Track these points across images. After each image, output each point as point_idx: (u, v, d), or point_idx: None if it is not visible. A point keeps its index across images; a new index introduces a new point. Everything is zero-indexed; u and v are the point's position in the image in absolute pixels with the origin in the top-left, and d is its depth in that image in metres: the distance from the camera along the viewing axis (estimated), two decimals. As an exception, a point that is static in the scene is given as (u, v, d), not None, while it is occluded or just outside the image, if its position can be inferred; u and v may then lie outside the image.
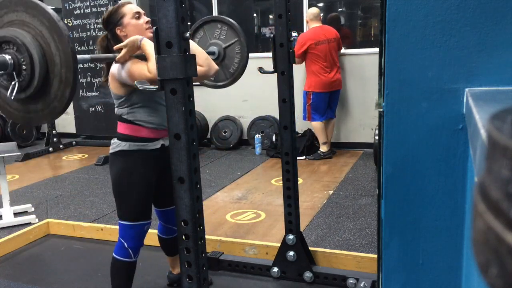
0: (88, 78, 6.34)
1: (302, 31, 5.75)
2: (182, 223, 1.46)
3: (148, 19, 2.05)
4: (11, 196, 3.85)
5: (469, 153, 1.00)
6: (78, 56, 1.43)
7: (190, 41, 2.05)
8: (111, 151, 2.09)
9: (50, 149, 6.18)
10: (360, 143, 5.63)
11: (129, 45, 1.86)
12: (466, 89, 0.99)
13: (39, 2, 1.29)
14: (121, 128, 2.07)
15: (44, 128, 6.65)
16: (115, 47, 1.92)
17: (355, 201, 3.86)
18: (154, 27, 1.35)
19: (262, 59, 5.58)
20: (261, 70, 2.48)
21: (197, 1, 6.93)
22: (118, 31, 2.02)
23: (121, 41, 1.99)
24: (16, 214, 3.69)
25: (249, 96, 5.96)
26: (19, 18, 1.29)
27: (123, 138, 2.05)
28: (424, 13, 1.02)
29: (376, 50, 2.07)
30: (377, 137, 3.15)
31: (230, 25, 2.44)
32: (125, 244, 2.07)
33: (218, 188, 4.35)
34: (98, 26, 6.13)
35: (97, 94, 6.30)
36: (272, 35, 2.37)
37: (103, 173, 4.99)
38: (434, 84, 1.04)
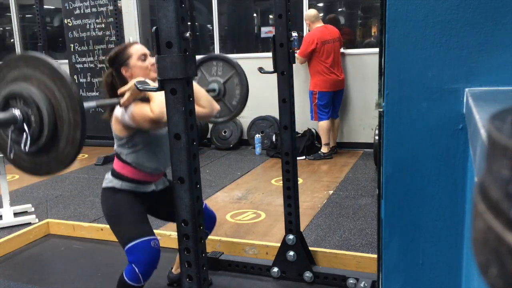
0: (88, 78, 6.34)
1: (302, 31, 5.75)
2: (182, 223, 1.46)
3: (153, 61, 2.07)
4: (11, 196, 3.85)
5: (469, 153, 1.00)
6: (85, 104, 1.47)
7: (193, 82, 2.11)
8: (103, 185, 2.15)
9: (50, 149, 6.17)
10: (360, 143, 5.63)
11: (132, 88, 1.89)
12: (466, 89, 0.99)
13: (37, 54, 1.33)
14: (118, 166, 2.12)
15: (44, 128, 6.63)
16: (119, 91, 1.94)
17: (355, 201, 3.86)
18: (154, 27, 1.35)
19: (262, 59, 5.58)
20: (261, 70, 2.48)
21: (197, 1, 6.93)
22: (123, 71, 2.06)
23: (126, 81, 2.05)
24: (16, 214, 3.69)
25: (249, 96, 5.95)
26: (21, 73, 1.33)
27: (117, 176, 2.11)
28: (424, 13, 1.02)
29: (376, 50, 2.07)
30: (377, 137, 3.15)
31: (224, 60, 2.48)
32: (136, 269, 1.97)
33: (218, 188, 4.36)
34: (98, 26, 6.13)
35: (97, 94, 6.29)
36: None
37: (103, 173, 4.97)
38: (434, 84, 1.04)
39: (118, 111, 1.99)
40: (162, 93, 1.76)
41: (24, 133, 1.32)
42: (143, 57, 2.06)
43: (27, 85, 1.31)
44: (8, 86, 1.34)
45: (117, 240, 2.11)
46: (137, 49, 2.07)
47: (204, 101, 2.04)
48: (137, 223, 2.05)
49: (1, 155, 3.45)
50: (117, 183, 2.10)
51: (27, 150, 1.33)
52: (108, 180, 2.13)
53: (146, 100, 1.93)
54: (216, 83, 2.47)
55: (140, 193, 2.13)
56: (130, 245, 1.98)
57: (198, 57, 2.58)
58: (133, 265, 1.97)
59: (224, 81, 2.47)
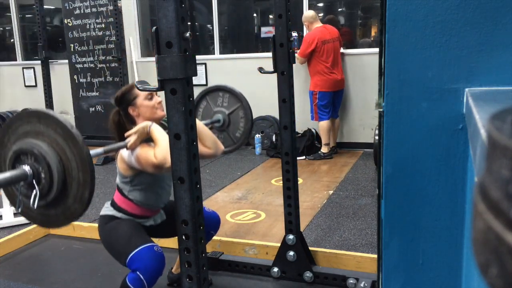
0: (88, 78, 6.34)
1: (302, 31, 5.75)
2: (182, 223, 1.46)
3: (160, 99, 2.09)
4: (11, 196, 3.85)
5: (469, 153, 1.00)
6: (92, 151, 1.51)
7: (200, 122, 2.17)
8: (102, 212, 2.18)
9: (50, 149, 6.17)
10: (360, 143, 5.63)
11: (139, 131, 1.93)
12: (466, 89, 0.99)
13: (51, 112, 1.35)
14: (118, 199, 2.16)
15: (44, 128, 6.63)
16: (126, 134, 1.96)
17: (355, 201, 3.86)
18: (154, 27, 1.35)
19: (262, 59, 5.58)
20: (261, 70, 2.48)
21: (197, 1, 6.93)
22: (130, 111, 2.09)
23: (133, 120, 2.09)
24: (16, 214, 3.69)
25: (249, 96, 5.92)
26: (34, 129, 1.36)
27: (117, 208, 2.15)
28: (424, 13, 1.02)
29: (376, 50, 2.07)
30: (377, 137, 3.15)
31: (231, 92, 2.50)
32: (141, 276, 1.91)
33: (218, 188, 4.36)
34: (98, 26, 6.13)
35: (97, 94, 6.30)
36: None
37: (103, 173, 4.99)
38: (434, 84, 1.04)
39: (124, 151, 2.02)
40: (165, 138, 1.80)
41: (34, 190, 1.34)
42: (150, 96, 2.09)
43: (39, 141, 1.33)
44: (20, 141, 1.37)
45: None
46: None
47: (209, 143, 2.13)
48: (136, 234, 2.05)
49: None
50: (116, 214, 2.14)
51: (35, 207, 1.35)
52: (108, 209, 2.16)
53: (153, 141, 1.96)
54: (221, 114, 2.50)
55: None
56: (132, 253, 1.94)
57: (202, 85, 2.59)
58: (138, 272, 1.91)
59: (229, 112, 2.49)
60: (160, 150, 1.86)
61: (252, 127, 2.53)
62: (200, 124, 2.15)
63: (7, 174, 1.31)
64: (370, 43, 6.04)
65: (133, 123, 2.12)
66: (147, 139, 1.99)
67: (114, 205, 2.17)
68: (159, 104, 2.10)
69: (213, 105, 2.52)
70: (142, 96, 2.07)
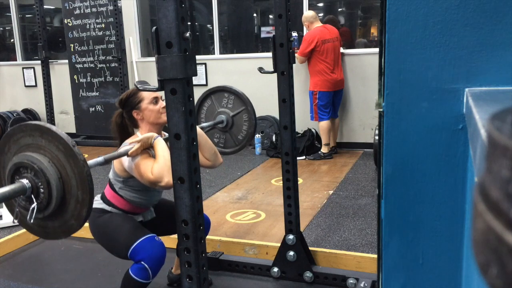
0: (88, 78, 6.34)
1: (302, 31, 5.75)
2: (182, 223, 1.46)
3: (164, 103, 2.08)
4: (11, 196, 3.85)
5: (469, 153, 1.00)
6: (91, 161, 1.52)
7: (202, 133, 2.18)
8: (93, 205, 2.16)
9: (50, 149, 6.17)
10: (360, 143, 5.63)
11: (143, 141, 1.91)
12: (466, 89, 0.99)
13: (54, 128, 1.35)
14: (108, 194, 2.15)
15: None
16: (129, 142, 1.95)
17: (355, 201, 3.86)
18: (154, 27, 1.35)
19: (262, 59, 5.58)
20: (261, 70, 2.48)
21: (197, 1, 6.93)
22: (134, 114, 2.08)
23: (136, 123, 2.09)
24: (16, 214, 3.69)
25: (249, 96, 5.94)
26: (35, 142, 1.36)
27: (107, 202, 2.15)
28: (424, 13, 1.02)
29: (376, 50, 2.07)
30: (377, 137, 3.15)
31: (237, 95, 2.51)
32: (146, 265, 1.95)
33: (218, 188, 4.35)
34: (98, 26, 6.13)
35: (97, 94, 6.30)
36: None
37: (103, 173, 4.98)
38: (434, 84, 1.04)
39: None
40: (165, 155, 1.79)
41: (32, 204, 1.35)
42: (155, 101, 2.08)
43: (40, 156, 1.34)
44: (21, 153, 1.37)
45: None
46: (149, 93, 2.07)
47: (209, 154, 2.14)
48: (134, 228, 2.06)
49: None
50: (106, 207, 2.14)
51: (31, 221, 1.36)
52: (98, 203, 2.15)
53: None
54: (224, 114, 2.50)
55: None
56: (134, 245, 1.97)
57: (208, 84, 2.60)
58: (143, 262, 1.95)
59: (233, 114, 2.49)
60: (158, 167, 1.84)
61: (255, 132, 2.53)
62: (202, 134, 2.14)
63: (6, 189, 1.31)
64: (366, 43, 6.05)
65: (136, 126, 2.11)
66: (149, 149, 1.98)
67: (104, 199, 2.15)
68: (163, 109, 2.06)
69: (217, 105, 2.52)
70: (147, 100, 2.06)
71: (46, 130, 1.34)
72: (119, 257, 2.08)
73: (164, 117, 2.06)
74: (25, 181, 1.34)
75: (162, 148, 1.89)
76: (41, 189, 1.34)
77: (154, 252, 1.97)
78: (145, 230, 2.07)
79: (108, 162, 1.74)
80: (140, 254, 1.97)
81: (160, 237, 2.08)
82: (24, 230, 3.24)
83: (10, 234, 3.22)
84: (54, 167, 1.33)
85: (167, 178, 1.79)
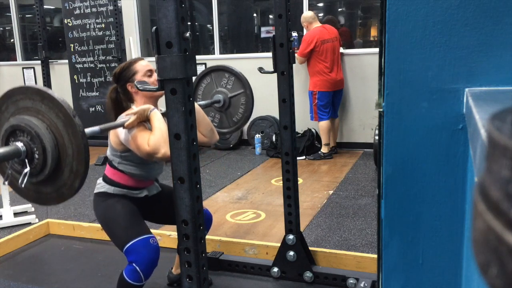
0: (88, 78, 6.34)
1: (302, 31, 5.75)
2: (182, 223, 1.46)
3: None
4: (11, 196, 3.85)
5: (469, 153, 1.00)
6: (88, 129, 1.49)
7: (200, 109, 2.15)
8: (95, 191, 2.15)
9: (50, 149, 6.17)
10: (360, 143, 5.63)
11: (139, 113, 1.89)
12: (466, 89, 0.99)
13: (56, 95, 1.32)
14: (109, 172, 2.13)
15: (44, 128, 6.63)
16: (125, 113, 1.94)
17: (355, 201, 3.86)
18: (154, 27, 1.35)
19: (262, 59, 5.58)
20: (261, 70, 2.48)
21: (197, 1, 6.93)
22: (129, 87, 2.06)
23: (131, 97, 2.07)
24: (16, 214, 3.69)
25: (249, 96, 5.95)
26: (35, 107, 1.33)
27: (109, 182, 2.12)
28: (424, 13, 1.02)
29: (376, 50, 2.07)
30: (377, 137, 3.15)
31: (237, 76, 2.48)
32: (137, 268, 1.95)
33: (218, 188, 4.35)
34: (98, 26, 6.13)
35: (97, 94, 6.30)
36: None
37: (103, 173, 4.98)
38: (434, 84, 1.04)
39: (120, 128, 1.99)
40: (162, 127, 1.77)
41: (25, 168, 1.33)
42: (149, 73, 2.06)
43: (38, 121, 1.31)
44: (18, 115, 1.34)
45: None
46: (143, 65, 2.07)
47: (206, 130, 2.12)
48: (132, 224, 2.05)
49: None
50: (109, 188, 2.11)
51: (23, 186, 1.34)
52: (100, 186, 2.14)
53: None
54: (222, 94, 2.48)
55: (133, 198, 2.14)
56: (128, 245, 1.97)
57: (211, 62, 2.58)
58: (134, 264, 1.95)
59: (231, 95, 2.48)
60: (154, 138, 1.83)
61: (250, 116, 2.50)
62: (200, 111, 2.12)
63: (0, 150, 1.29)
64: (361, 43, 6.05)
65: (131, 100, 2.08)
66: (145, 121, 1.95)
67: (105, 179, 2.13)
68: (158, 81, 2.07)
69: (216, 84, 2.50)
70: (141, 73, 2.04)
71: (47, 96, 1.31)
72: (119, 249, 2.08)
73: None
74: (20, 145, 1.31)
75: (158, 120, 1.88)
76: (36, 155, 1.31)
77: (146, 256, 1.96)
78: (143, 228, 2.04)
79: (103, 131, 1.73)
80: (133, 255, 1.96)
81: (158, 237, 2.08)
82: (24, 230, 3.24)
83: (10, 234, 3.22)
84: (52, 134, 1.31)
85: (164, 149, 1.79)
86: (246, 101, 2.46)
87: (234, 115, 2.49)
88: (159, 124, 1.86)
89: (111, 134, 2.06)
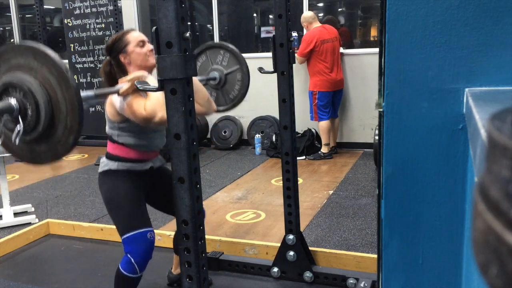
0: (88, 78, 6.34)
1: (302, 31, 5.75)
2: (182, 223, 1.46)
3: (151, 47, 2.06)
4: (11, 196, 3.85)
5: (469, 153, 1.00)
6: (82, 93, 1.46)
7: (196, 80, 2.12)
8: (100, 170, 2.12)
9: (50, 149, 6.18)
10: (360, 143, 5.63)
11: (133, 79, 1.88)
12: (466, 89, 0.99)
13: (48, 50, 1.31)
14: (111, 148, 2.10)
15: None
16: (120, 80, 1.93)
17: (355, 201, 3.86)
18: (154, 27, 1.35)
19: (262, 59, 5.58)
20: (261, 70, 2.48)
21: (197, 1, 6.93)
22: (122, 58, 2.04)
23: (124, 68, 2.04)
24: (16, 214, 3.69)
25: (249, 96, 5.93)
26: (27, 64, 1.32)
27: (112, 158, 2.09)
28: (424, 13, 1.02)
29: (376, 50, 2.07)
30: (377, 137, 3.15)
31: (232, 53, 2.46)
32: (132, 260, 2.00)
33: (218, 188, 4.36)
34: (98, 26, 6.13)
35: (97, 94, 6.29)
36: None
37: (103, 173, 4.98)
38: (434, 84, 1.04)
39: (115, 96, 1.97)
40: (159, 92, 1.76)
41: (18, 125, 1.31)
42: (141, 44, 2.04)
43: (31, 78, 1.30)
44: (10, 73, 1.33)
45: (117, 240, 2.12)
46: (135, 36, 2.05)
47: (202, 100, 2.05)
48: (135, 214, 2.05)
49: (1, 155, 3.45)
50: (112, 165, 2.07)
51: (17, 143, 1.33)
52: (104, 164, 2.10)
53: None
54: (218, 71, 2.46)
55: (138, 172, 2.10)
56: (127, 235, 2.00)
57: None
58: (129, 255, 2.00)
59: (227, 72, 2.45)
60: (150, 103, 1.82)
61: (246, 93, 2.49)
62: (196, 81, 2.10)
63: None
64: (362, 43, 6.06)
65: (124, 72, 2.07)
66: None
67: (108, 155, 2.10)
68: (151, 52, 2.04)
69: (212, 62, 2.48)
70: (133, 43, 2.03)
71: (39, 52, 1.30)
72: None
73: (152, 60, 2.03)
74: (13, 101, 1.30)
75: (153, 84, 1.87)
76: (29, 111, 1.30)
77: (142, 249, 2.01)
78: (143, 219, 2.05)
79: (98, 97, 1.71)
80: (129, 247, 2.00)
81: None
82: (24, 230, 3.24)
83: (10, 234, 3.22)
84: (45, 90, 1.29)
85: (161, 113, 1.78)
86: (242, 78, 2.44)
87: (230, 92, 2.47)
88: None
89: (107, 106, 2.04)
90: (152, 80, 1.89)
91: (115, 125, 2.05)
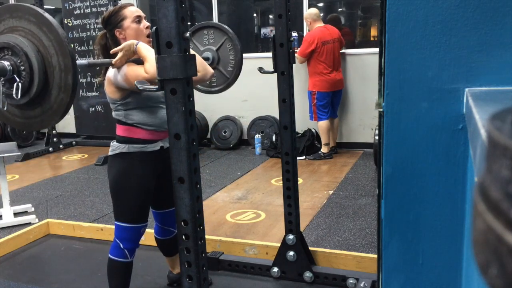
0: (88, 78, 6.34)
1: (302, 31, 5.76)
2: (182, 223, 1.46)
3: (148, 24, 2.04)
4: (11, 196, 3.85)
5: (469, 153, 1.00)
6: (77, 62, 1.45)
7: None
8: (110, 153, 2.08)
9: (50, 149, 6.18)
10: (360, 143, 5.63)
11: (125, 49, 1.86)
12: (466, 89, 0.99)
13: (21, 4, 1.32)
14: (120, 130, 2.07)
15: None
16: (111, 51, 1.91)
17: (355, 201, 3.86)
18: (154, 27, 1.35)
19: (262, 59, 5.58)
20: (261, 70, 2.48)
21: (197, 1, 6.93)
22: (117, 33, 2.02)
23: (119, 43, 2.00)
24: (16, 214, 3.69)
25: (249, 96, 5.96)
26: (7, 26, 1.33)
27: (122, 140, 2.05)
28: (424, 13, 1.02)
29: (376, 50, 2.07)
30: (377, 137, 3.15)
31: (215, 27, 2.46)
32: (121, 245, 2.07)
33: (218, 188, 4.35)
34: (98, 26, 6.13)
35: (97, 94, 6.30)
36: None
37: (103, 173, 4.98)
38: (434, 84, 1.04)
39: (110, 72, 1.96)
40: (153, 54, 1.72)
41: (15, 83, 1.32)
42: (138, 19, 2.02)
43: (14, 35, 1.30)
44: (2, 35, 1.34)
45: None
46: (132, 11, 2.03)
47: (197, 63, 2.02)
48: (136, 208, 2.05)
49: (1, 155, 3.45)
50: (123, 148, 2.03)
51: (18, 97, 1.33)
52: (115, 147, 2.06)
53: (140, 62, 1.90)
54: (209, 51, 2.46)
55: (149, 154, 2.05)
56: (122, 224, 2.06)
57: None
58: (118, 240, 2.07)
59: (217, 48, 2.45)
60: (150, 65, 1.80)
61: (242, 57, 2.47)
62: None
63: None
64: (362, 43, 6.06)
65: None
66: (135, 60, 1.92)
67: (118, 139, 2.07)
68: (146, 28, 2.03)
69: (200, 45, 2.48)
70: (130, 19, 2.00)
71: (13, 8, 1.31)
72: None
73: (146, 38, 2.02)
74: (4, 62, 1.31)
75: (147, 49, 1.86)
76: (22, 67, 1.30)
77: (132, 239, 2.09)
78: (142, 215, 2.08)
79: (91, 66, 1.72)
80: (121, 233, 2.07)
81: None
82: (24, 230, 3.24)
83: (10, 234, 3.22)
84: (30, 41, 1.30)
85: None
86: (233, 45, 2.42)
87: (227, 66, 2.46)
88: (150, 52, 1.83)
89: (106, 86, 2.02)
90: (144, 44, 1.88)
91: (119, 102, 2.01)
